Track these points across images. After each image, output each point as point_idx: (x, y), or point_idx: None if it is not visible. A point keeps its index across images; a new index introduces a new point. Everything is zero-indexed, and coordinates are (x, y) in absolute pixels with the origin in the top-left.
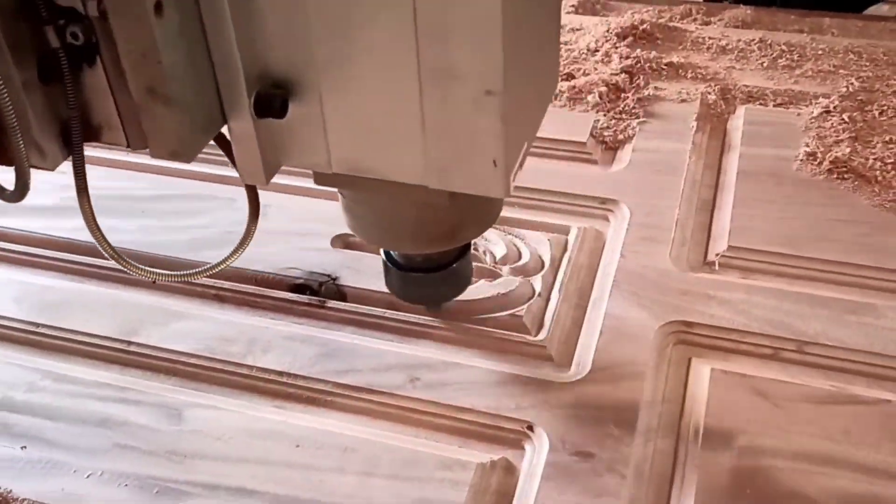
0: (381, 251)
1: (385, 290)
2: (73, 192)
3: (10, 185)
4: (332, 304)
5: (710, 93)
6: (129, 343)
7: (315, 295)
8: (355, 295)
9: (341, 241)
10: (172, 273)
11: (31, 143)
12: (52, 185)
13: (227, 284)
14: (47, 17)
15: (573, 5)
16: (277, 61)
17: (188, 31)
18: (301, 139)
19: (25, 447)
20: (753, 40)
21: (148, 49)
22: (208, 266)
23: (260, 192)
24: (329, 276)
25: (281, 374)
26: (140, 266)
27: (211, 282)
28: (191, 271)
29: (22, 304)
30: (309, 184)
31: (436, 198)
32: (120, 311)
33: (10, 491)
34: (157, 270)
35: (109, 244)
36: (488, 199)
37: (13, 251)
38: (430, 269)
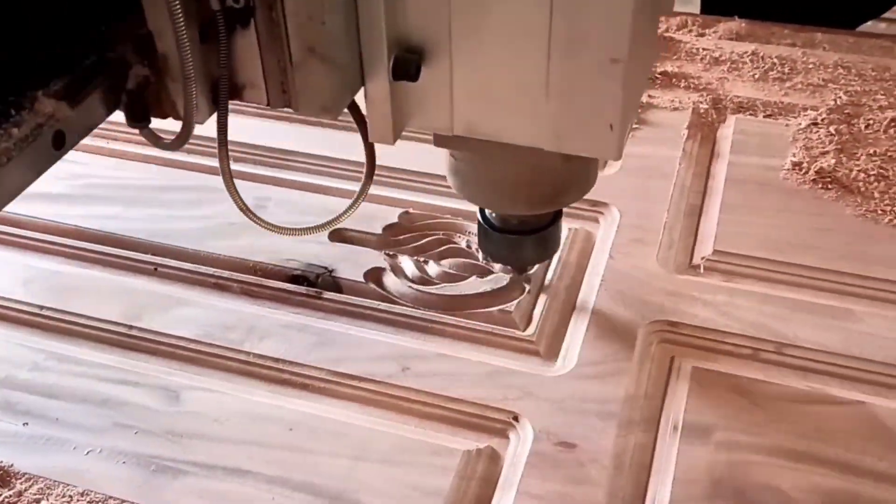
0: (478, 213)
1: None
2: (83, 181)
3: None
4: (328, 295)
5: (702, 102)
6: (131, 327)
7: (312, 286)
8: (350, 287)
9: (339, 235)
10: (295, 228)
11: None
12: (64, 172)
13: (227, 273)
14: None
15: None
16: (416, 27)
17: None
18: (428, 102)
19: (27, 423)
20: (746, 52)
21: (314, 11)
22: (313, 226)
23: (258, 185)
24: (326, 268)
25: (277, 360)
26: (269, 223)
27: (211, 270)
28: (304, 227)
29: (30, 287)
30: (308, 178)
31: (550, 160)
32: (124, 296)
33: (12, 465)
34: (285, 227)
35: (240, 197)
36: (591, 165)
37: (23, 236)
38: (523, 231)
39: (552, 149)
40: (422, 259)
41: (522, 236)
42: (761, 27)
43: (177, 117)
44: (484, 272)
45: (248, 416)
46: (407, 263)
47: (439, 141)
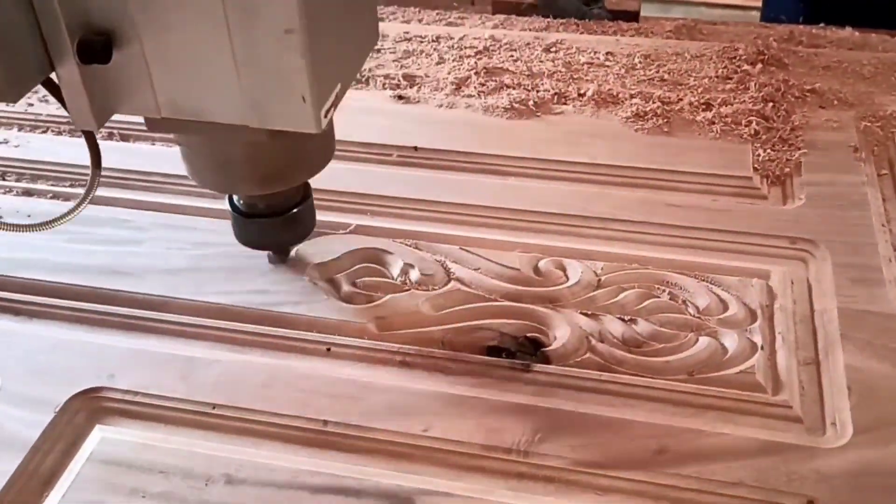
0: (227, 200)
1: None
2: (205, 250)
3: None
4: (537, 367)
5: (863, 120)
6: (326, 423)
7: (512, 357)
8: (557, 356)
9: (523, 296)
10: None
11: None
12: (183, 242)
13: (412, 349)
14: None
15: (670, 31)
16: (97, 9)
17: None
18: (128, 84)
19: None
20: (872, 61)
21: None
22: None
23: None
24: (524, 335)
25: (509, 451)
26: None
27: (395, 347)
28: (42, 222)
29: (189, 381)
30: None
31: (257, 136)
32: (296, 385)
33: None
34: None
35: None
36: (314, 140)
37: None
38: (273, 214)
39: (254, 124)
40: (627, 318)
41: (273, 218)
42: (868, 36)
43: None
44: (701, 329)
45: None
46: (614, 325)
47: (151, 126)
